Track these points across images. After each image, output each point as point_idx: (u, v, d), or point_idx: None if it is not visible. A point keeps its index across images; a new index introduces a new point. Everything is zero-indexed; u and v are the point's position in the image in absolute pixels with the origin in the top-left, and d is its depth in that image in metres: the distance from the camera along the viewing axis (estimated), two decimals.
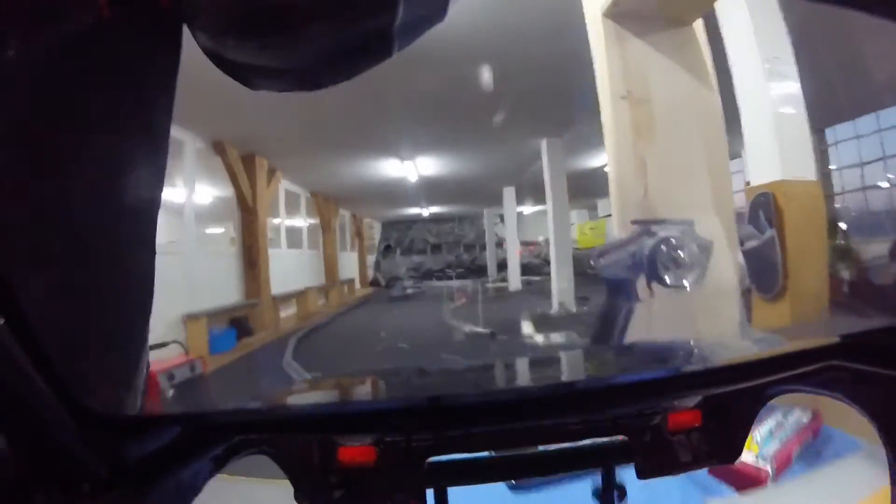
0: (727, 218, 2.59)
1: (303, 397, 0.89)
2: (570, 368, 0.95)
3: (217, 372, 6.69)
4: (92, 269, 0.52)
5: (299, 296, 11.30)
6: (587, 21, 2.78)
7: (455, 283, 12.84)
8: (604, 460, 0.71)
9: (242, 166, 8.53)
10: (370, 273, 15.95)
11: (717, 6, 3.28)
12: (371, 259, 16.17)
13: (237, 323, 8.64)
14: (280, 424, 0.67)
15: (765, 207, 3.48)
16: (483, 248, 15.59)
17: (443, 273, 15.20)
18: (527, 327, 7.90)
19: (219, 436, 0.61)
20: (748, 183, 3.81)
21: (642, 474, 0.67)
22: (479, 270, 15.09)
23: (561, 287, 8.80)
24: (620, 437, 0.68)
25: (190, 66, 0.55)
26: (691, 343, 0.99)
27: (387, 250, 16.40)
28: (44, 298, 0.47)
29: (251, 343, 8.57)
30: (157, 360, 4.31)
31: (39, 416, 0.46)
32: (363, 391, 0.90)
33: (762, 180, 3.55)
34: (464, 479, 0.71)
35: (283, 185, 10.61)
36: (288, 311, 10.84)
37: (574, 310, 8.41)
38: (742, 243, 3.58)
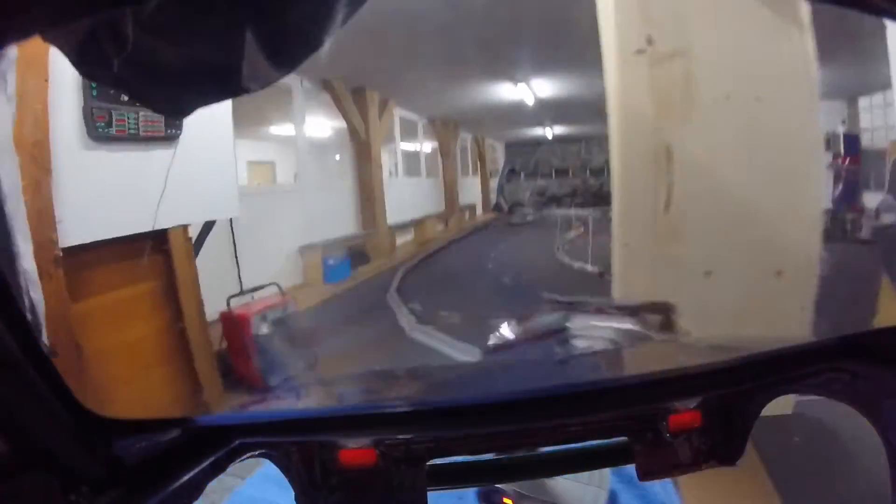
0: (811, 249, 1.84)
1: (303, 400, 0.92)
2: (571, 370, 0.93)
3: (326, 302, 7.20)
4: None
5: (417, 224, 11.57)
6: None
7: (577, 211, 12.35)
8: (605, 461, 0.73)
9: (353, 100, 8.66)
10: (493, 197, 15.85)
11: None
12: (494, 183, 16.02)
13: (353, 253, 9.11)
14: (281, 427, 0.69)
15: None
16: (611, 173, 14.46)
17: (566, 199, 14.63)
18: None
19: (219, 439, 0.62)
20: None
21: (643, 475, 0.67)
22: (605, 197, 14.25)
23: None
24: (621, 439, 0.68)
25: None
26: (691, 345, 0.95)
27: (510, 174, 16.06)
28: None
29: (365, 272, 9.02)
30: (251, 303, 4.70)
31: (38, 417, 0.48)
32: (363, 394, 0.91)
33: None
34: (464, 482, 0.73)
35: (398, 113, 10.65)
36: (406, 239, 11.22)
37: None
38: (878, 216, 2.91)
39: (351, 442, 0.67)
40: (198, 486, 0.60)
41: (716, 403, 0.66)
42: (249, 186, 5.64)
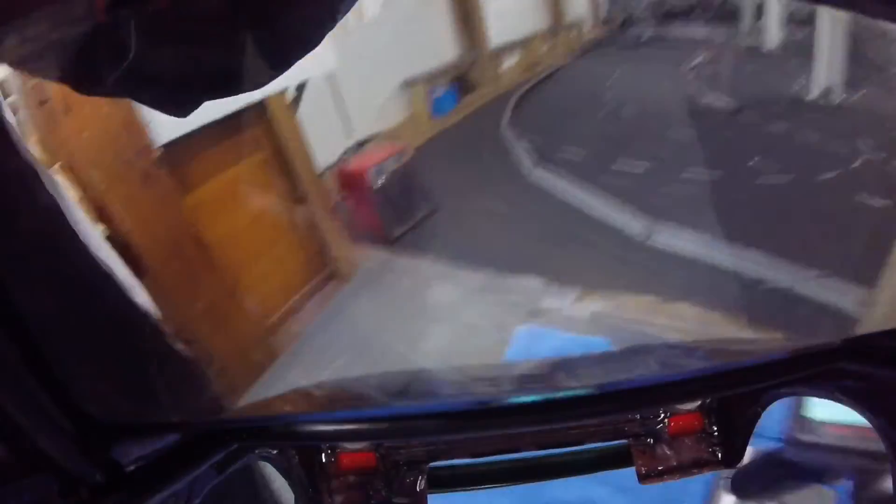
0: None
1: (302, 404, 0.89)
2: (571, 373, 0.91)
3: (437, 137, 6.88)
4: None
5: (522, 44, 10.62)
6: None
7: (699, 30, 10.77)
8: (605, 465, 0.71)
9: None
10: (603, 9, 14.18)
11: None
12: None
13: (458, 81, 8.61)
14: (280, 430, 0.68)
15: None
16: None
17: (687, 15, 12.79)
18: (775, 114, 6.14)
19: (218, 442, 0.63)
20: None
21: (643, 478, 0.67)
22: (730, 15, 12.25)
23: (828, 61, 6.38)
24: (622, 441, 0.68)
25: None
26: (692, 346, 0.97)
27: None
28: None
29: (473, 102, 8.56)
30: (364, 155, 4.50)
31: (38, 421, 0.48)
32: (363, 398, 0.89)
33: None
34: (465, 485, 0.73)
35: None
36: (512, 61, 10.41)
37: (838, 98, 6.26)
38: None
39: (351, 445, 0.67)
40: (197, 490, 0.59)
41: (716, 405, 0.66)
42: (336, 30, 5.09)
